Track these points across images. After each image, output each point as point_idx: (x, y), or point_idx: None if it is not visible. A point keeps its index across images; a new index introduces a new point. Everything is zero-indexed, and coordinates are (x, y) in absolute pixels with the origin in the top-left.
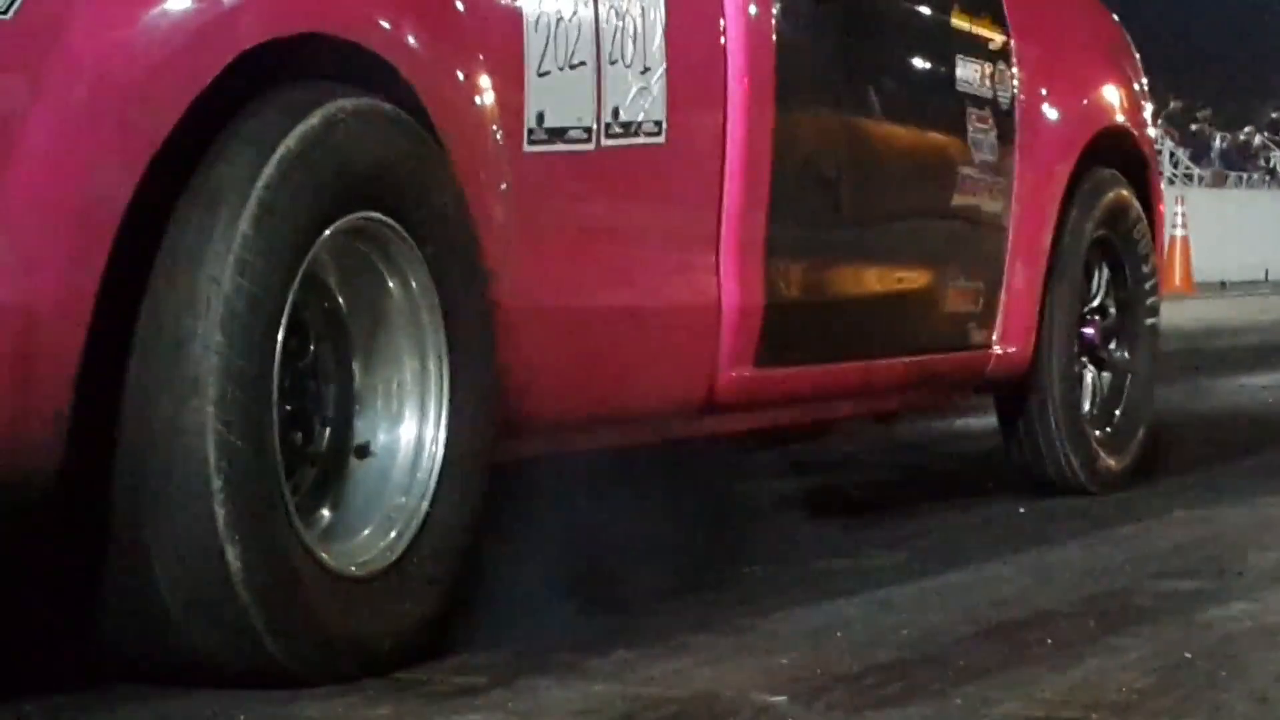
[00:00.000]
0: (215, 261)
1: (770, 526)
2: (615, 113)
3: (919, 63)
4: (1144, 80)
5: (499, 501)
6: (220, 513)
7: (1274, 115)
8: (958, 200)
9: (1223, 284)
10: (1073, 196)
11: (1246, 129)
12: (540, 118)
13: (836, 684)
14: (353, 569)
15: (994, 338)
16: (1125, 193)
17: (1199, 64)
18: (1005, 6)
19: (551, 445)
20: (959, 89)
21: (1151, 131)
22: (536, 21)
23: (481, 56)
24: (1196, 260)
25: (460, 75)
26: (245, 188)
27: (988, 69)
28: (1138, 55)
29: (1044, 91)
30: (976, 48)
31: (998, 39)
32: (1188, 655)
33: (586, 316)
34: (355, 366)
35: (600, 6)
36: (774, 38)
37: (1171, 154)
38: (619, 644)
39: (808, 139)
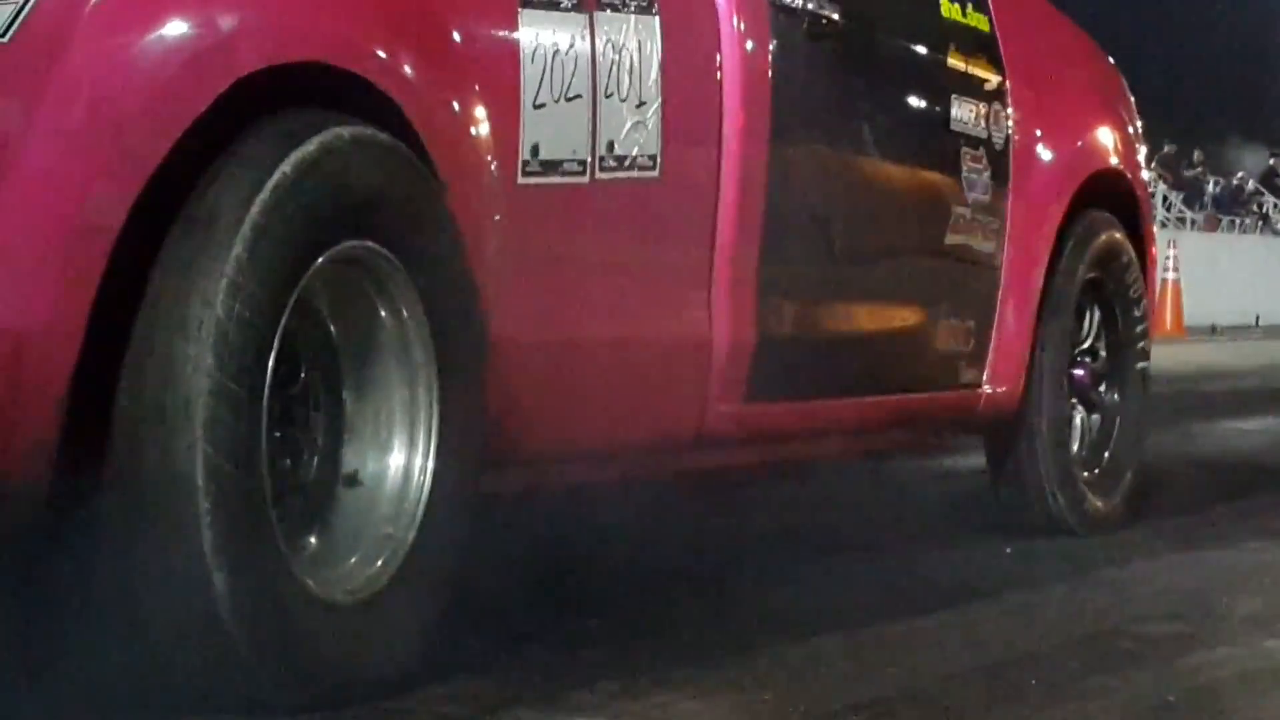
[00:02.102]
0: (208, 284)
1: (756, 563)
2: (610, 146)
3: (914, 101)
4: (1138, 123)
5: (486, 532)
6: (207, 536)
7: (1270, 162)
8: (950, 239)
9: (1213, 328)
10: (1065, 238)
11: (1240, 174)
12: (535, 150)
13: None
14: (339, 597)
15: (984, 377)
16: (1118, 235)
17: (1195, 108)
18: (1001, 47)
19: (540, 477)
20: (954, 128)
21: (1145, 174)
22: (533, 54)
23: (477, 88)
24: (1188, 304)
25: (456, 106)
26: (240, 212)
27: (983, 109)
28: (1132, 98)
29: (1038, 132)
30: (972, 88)
31: (993, 79)
32: (1170, 699)
33: (577, 349)
34: (345, 395)
35: (597, 40)
36: (769, 74)
37: (1165, 197)
38: (602, 676)
39: (802, 176)
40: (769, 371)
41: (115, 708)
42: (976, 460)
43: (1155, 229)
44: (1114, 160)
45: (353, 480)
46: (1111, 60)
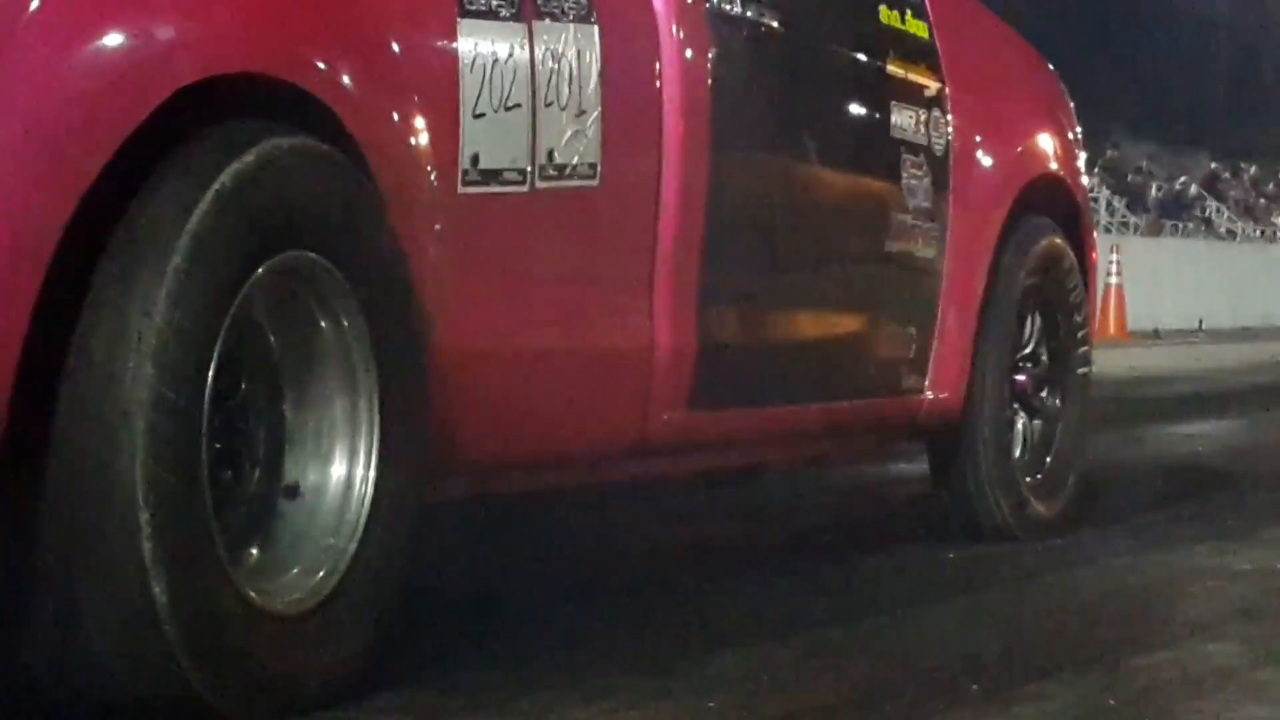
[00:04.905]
0: (148, 295)
1: (699, 570)
2: (550, 155)
3: (854, 108)
4: (1078, 129)
5: (428, 542)
6: (147, 547)
7: (1213, 167)
8: (891, 246)
9: (1156, 332)
10: (1006, 244)
11: (1182, 179)
12: (475, 159)
13: None
14: (280, 607)
15: (926, 383)
16: (1059, 241)
17: (1139, 113)
18: (941, 54)
19: (483, 486)
20: (894, 135)
21: (1085, 180)
22: (472, 64)
23: (417, 98)
24: (1131, 308)
25: (395, 116)
26: (180, 223)
27: (923, 115)
28: (1071, 104)
29: (978, 138)
30: (912, 94)
31: (933, 86)
32: (1112, 703)
33: (519, 358)
34: (286, 406)
35: (536, 49)
36: (709, 82)
37: (1108, 202)
38: (545, 684)
39: (742, 183)
40: (711, 379)
41: (54, 717)
42: (919, 466)
43: (1098, 234)
44: (1054, 166)
45: (294, 491)
46: (1051, 66)
